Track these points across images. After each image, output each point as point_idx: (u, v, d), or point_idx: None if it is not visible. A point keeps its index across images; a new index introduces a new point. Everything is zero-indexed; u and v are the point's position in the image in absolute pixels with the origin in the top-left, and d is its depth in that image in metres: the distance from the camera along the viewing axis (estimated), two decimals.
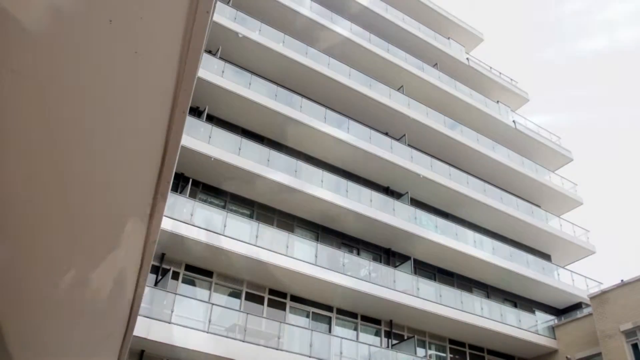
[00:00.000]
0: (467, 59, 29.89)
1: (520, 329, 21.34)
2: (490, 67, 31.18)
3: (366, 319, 19.25)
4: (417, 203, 22.87)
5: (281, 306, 17.57)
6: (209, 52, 19.50)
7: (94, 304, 4.61)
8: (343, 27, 24.14)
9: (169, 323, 13.90)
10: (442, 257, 21.86)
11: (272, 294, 17.51)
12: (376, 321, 19.46)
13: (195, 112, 18.53)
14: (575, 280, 24.85)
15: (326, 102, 22.29)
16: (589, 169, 80.00)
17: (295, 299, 17.88)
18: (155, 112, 2.90)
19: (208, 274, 16.58)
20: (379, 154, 21.39)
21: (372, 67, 24.61)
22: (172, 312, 14.27)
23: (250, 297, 17.07)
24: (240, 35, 19.98)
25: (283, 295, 17.71)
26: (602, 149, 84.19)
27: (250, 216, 18.42)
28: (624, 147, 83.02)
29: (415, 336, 19.38)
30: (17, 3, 2.26)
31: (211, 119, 19.01)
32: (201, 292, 16.34)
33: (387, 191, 22.69)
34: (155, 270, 15.50)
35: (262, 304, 17.20)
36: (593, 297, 20.71)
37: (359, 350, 17.61)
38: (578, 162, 76.88)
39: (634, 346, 18.68)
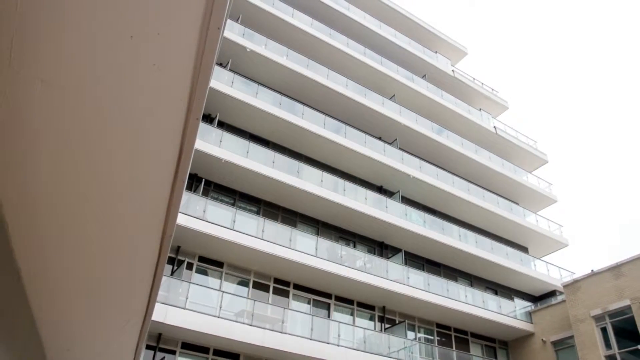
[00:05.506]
0: (453, 70, 29.85)
1: (500, 314, 21.34)
2: (474, 78, 31.16)
3: (361, 305, 19.24)
4: (407, 201, 22.87)
5: (285, 294, 17.56)
6: (220, 64, 19.49)
7: (116, 292, 4.62)
8: (341, 42, 24.13)
9: (184, 309, 13.90)
10: (430, 249, 21.86)
11: (277, 282, 17.51)
12: (370, 307, 19.45)
13: (208, 118, 18.52)
14: (550, 270, 24.85)
15: (325, 109, 22.29)
16: (564, 169, 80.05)
17: (297, 287, 17.87)
18: (172, 118, 2.90)
19: (219, 264, 16.58)
20: (373, 157, 21.37)
21: (367, 78, 24.61)
22: (186, 299, 14.27)
23: (257, 286, 17.06)
24: (248, 50, 19.98)
25: (287, 283, 17.70)
26: (575, 152, 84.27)
27: (257, 212, 18.40)
28: (595, 150, 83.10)
29: (406, 321, 19.38)
30: (50, 18, 2.26)
31: (222, 125, 19.03)
32: (213, 281, 16.34)
33: (381, 190, 22.68)
34: (171, 261, 15.50)
35: (268, 291, 17.20)
36: (566, 286, 20.70)
37: (355, 334, 17.61)
38: (553, 163, 76.91)
39: (603, 329, 18.68)
